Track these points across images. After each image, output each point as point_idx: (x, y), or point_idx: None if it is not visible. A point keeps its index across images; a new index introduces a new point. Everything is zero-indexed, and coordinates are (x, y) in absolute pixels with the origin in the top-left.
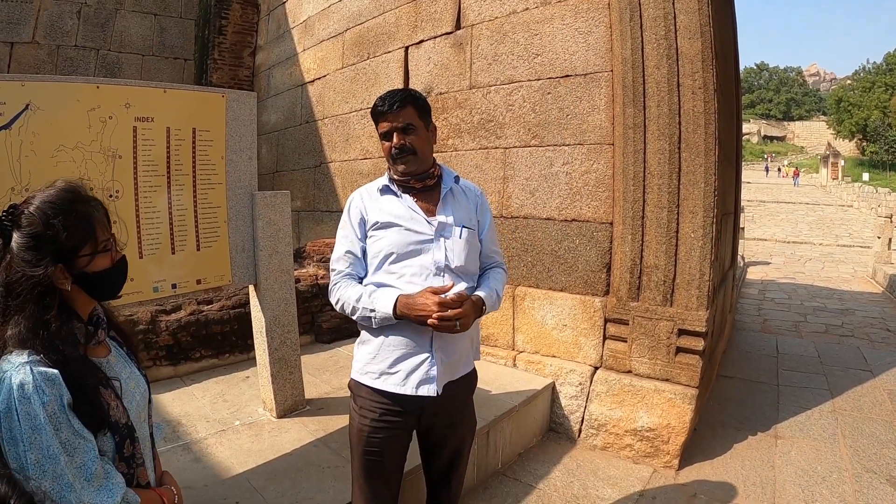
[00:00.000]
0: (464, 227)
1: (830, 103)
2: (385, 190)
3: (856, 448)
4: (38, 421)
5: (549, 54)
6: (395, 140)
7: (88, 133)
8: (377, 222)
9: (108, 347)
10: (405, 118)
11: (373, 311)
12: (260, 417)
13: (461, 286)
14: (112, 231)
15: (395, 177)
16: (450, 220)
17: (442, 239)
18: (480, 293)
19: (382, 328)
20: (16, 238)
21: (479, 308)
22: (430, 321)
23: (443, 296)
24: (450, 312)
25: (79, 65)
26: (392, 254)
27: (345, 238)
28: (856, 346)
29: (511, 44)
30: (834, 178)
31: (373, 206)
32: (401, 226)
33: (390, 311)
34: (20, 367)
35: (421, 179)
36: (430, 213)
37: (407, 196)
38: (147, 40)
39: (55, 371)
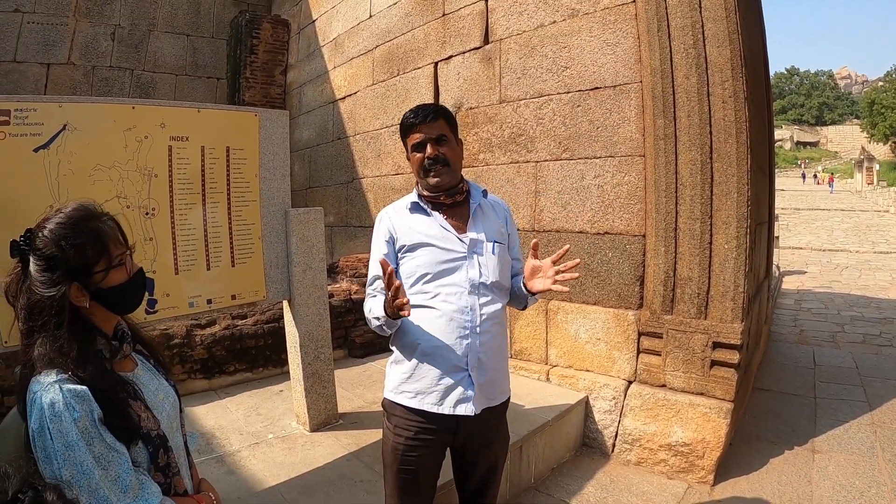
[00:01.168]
0: (495, 242)
1: (863, 106)
2: (415, 207)
3: (895, 462)
4: (71, 437)
5: (577, 67)
6: (428, 150)
7: (125, 152)
8: (408, 242)
9: (134, 361)
10: (438, 129)
11: (377, 317)
12: (293, 431)
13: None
14: (129, 244)
15: (425, 193)
16: (481, 236)
17: (475, 256)
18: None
19: (416, 348)
20: (32, 261)
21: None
22: (396, 303)
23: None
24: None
25: (114, 85)
26: (426, 274)
27: (374, 261)
28: (895, 356)
29: (540, 57)
30: (869, 183)
31: (402, 225)
32: (433, 245)
33: (383, 313)
34: (49, 387)
35: (451, 194)
36: (461, 230)
37: (437, 213)
38: (180, 60)
39: (84, 388)
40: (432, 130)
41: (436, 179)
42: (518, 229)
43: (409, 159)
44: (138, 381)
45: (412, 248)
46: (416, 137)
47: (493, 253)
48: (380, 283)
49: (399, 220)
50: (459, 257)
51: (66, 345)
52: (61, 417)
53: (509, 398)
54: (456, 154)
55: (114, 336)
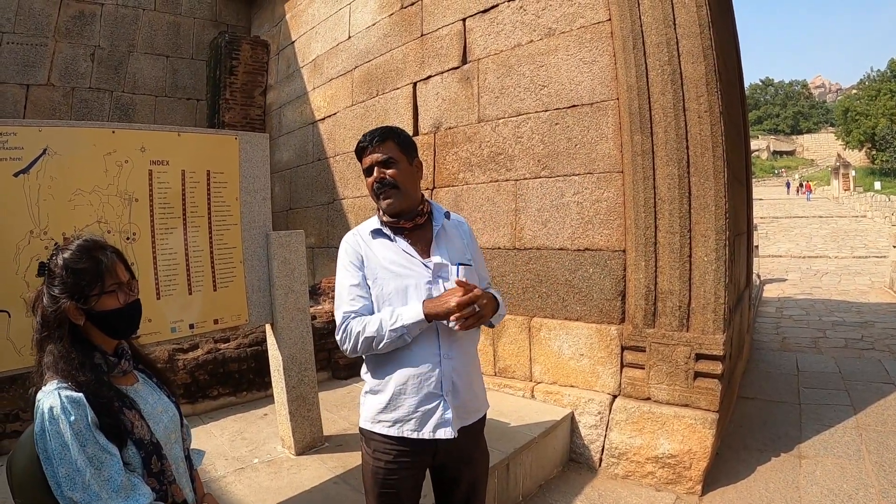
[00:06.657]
0: (460, 264)
1: (837, 114)
2: (377, 233)
3: (881, 463)
4: (66, 438)
5: (555, 85)
6: (375, 174)
7: (105, 177)
8: (372, 268)
9: (135, 377)
10: (385, 151)
11: (400, 326)
12: (279, 455)
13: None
14: (129, 278)
15: (385, 218)
16: (445, 259)
17: (440, 280)
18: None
19: (390, 379)
20: (47, 282)
21: (493, 300)
22: (454, 316)
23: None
24: (466, 297)
25: (93, 107)
26: (392, 301)
27: (346, 282)
28: (877, 358)
29: (517, 76)
30: (846, 189)
31: (367, 251)
32: (396, 271)
33: (421, 316)
34: (50, 394)
35: (410, 218)
36: (425, 254)
37: (400, 239)
38: (160, 81)
39: (80, 394)
40: (378, 153)
41: (386, 202)
42: (499, 248)
43: None
44: (137, 394)
45: (376, 274)
46: (366, 162)
47: (458, 276)
48: (359, 307)
49: (364, 246)
50: (424, 283)
51: (67, 353)
52: (58, 420)
53: (485, 415)
54: (407, 175)
55: (114, 353)
